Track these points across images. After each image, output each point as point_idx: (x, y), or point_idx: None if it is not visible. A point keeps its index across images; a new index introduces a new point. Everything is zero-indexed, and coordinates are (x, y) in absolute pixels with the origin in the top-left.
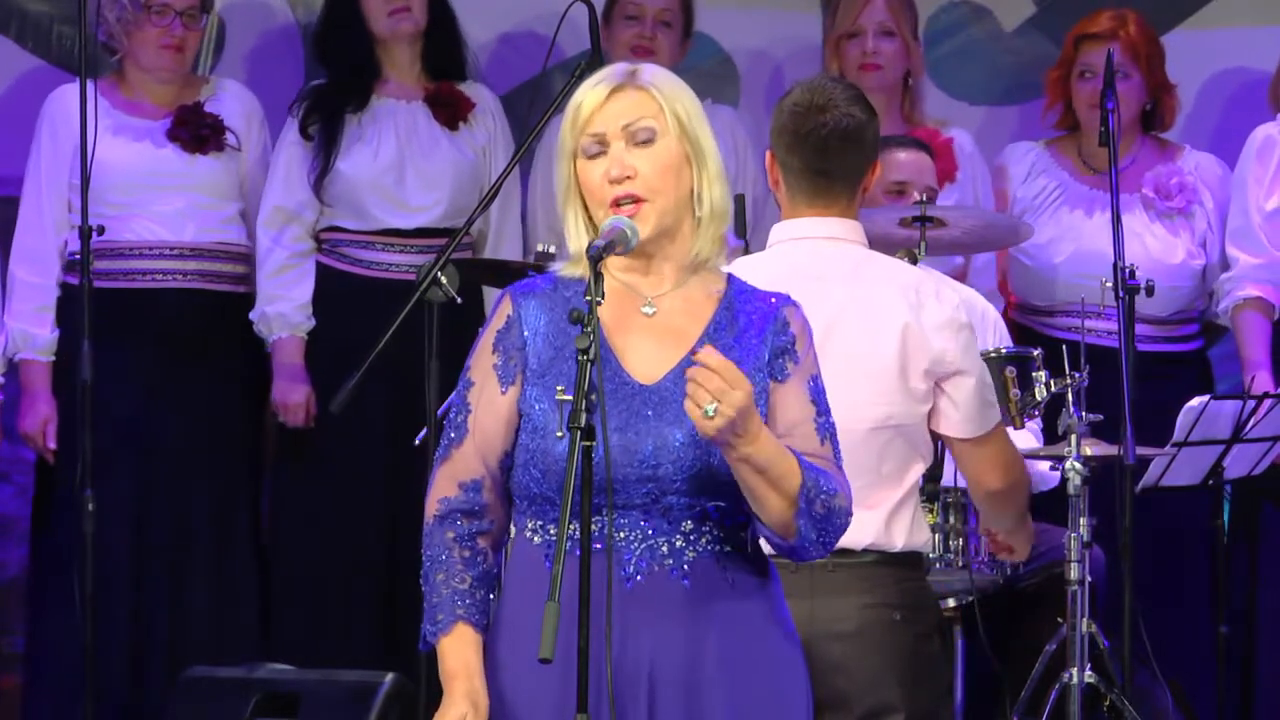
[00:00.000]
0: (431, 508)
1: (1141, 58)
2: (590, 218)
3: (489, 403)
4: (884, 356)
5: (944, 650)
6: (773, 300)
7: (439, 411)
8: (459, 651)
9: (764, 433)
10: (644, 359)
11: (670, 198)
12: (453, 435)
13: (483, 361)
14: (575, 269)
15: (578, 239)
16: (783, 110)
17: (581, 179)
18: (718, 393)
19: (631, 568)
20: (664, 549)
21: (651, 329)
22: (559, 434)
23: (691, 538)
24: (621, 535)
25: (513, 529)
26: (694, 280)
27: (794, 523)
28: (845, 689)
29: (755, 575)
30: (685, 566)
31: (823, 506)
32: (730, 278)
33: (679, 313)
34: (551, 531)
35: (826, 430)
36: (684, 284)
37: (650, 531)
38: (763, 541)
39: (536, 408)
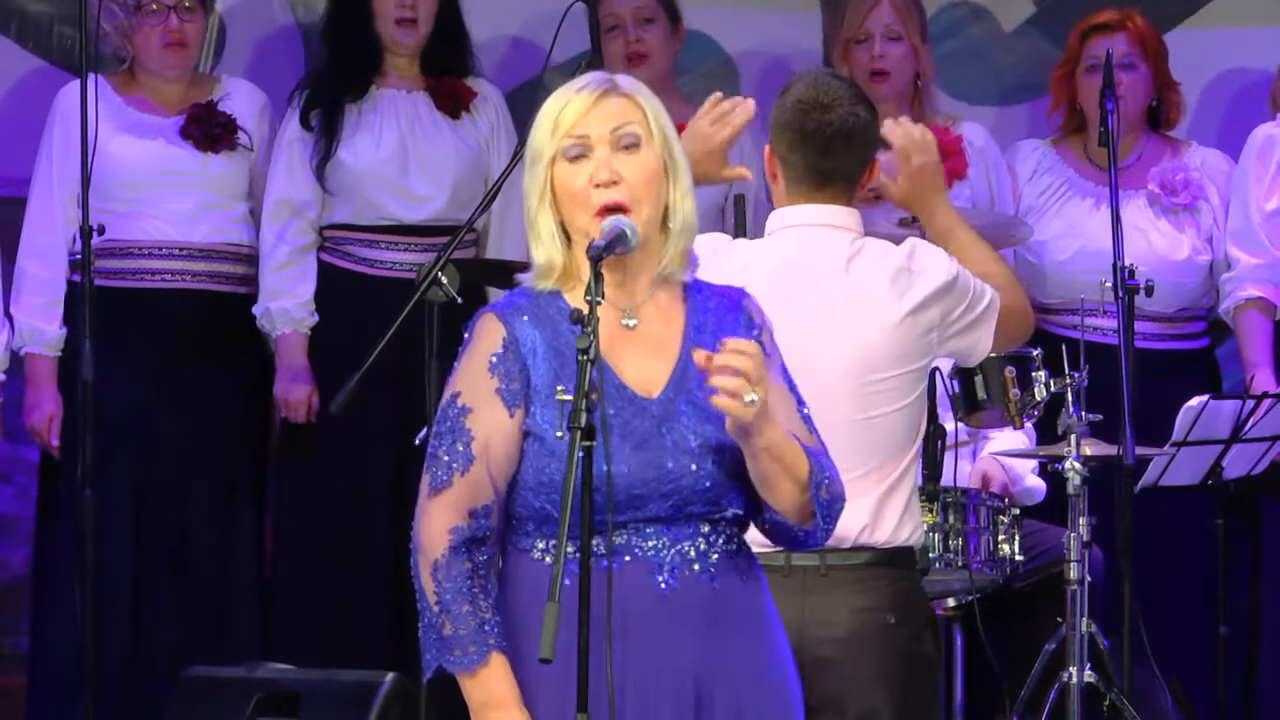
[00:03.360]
0: (442, 539)
1: (1149, 51)
2: (563, 225)
3: (497, 427)
4: (875, 350)
5: (935, 648)
6: (732, 295)
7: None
8: (503, 680)
9: (773, 420)
10: (640, 372)
11: (653, 207)
12: (454, 464)
13: (478, 385)
14: (546, 281)
15: (550, 247)
16: (785, 106)
17: (560, 183)
18: (754, 378)
19: (665, 573)
20: (691, 553)
21: (636, 341)
22: (559, 434)
23: (710, 539)
24: (650, 544)
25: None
26: (661, 289)
27: (810, 506)
28: (838, 692)
29: (755, 570)
30: (712, 569)
31: (827, 492)
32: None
33: (656, 321)
34: (569, 551)
35: (808, 419)
36: (654, 294)
37: (676, 537)
38: (751, 534)
39: (550, 430)
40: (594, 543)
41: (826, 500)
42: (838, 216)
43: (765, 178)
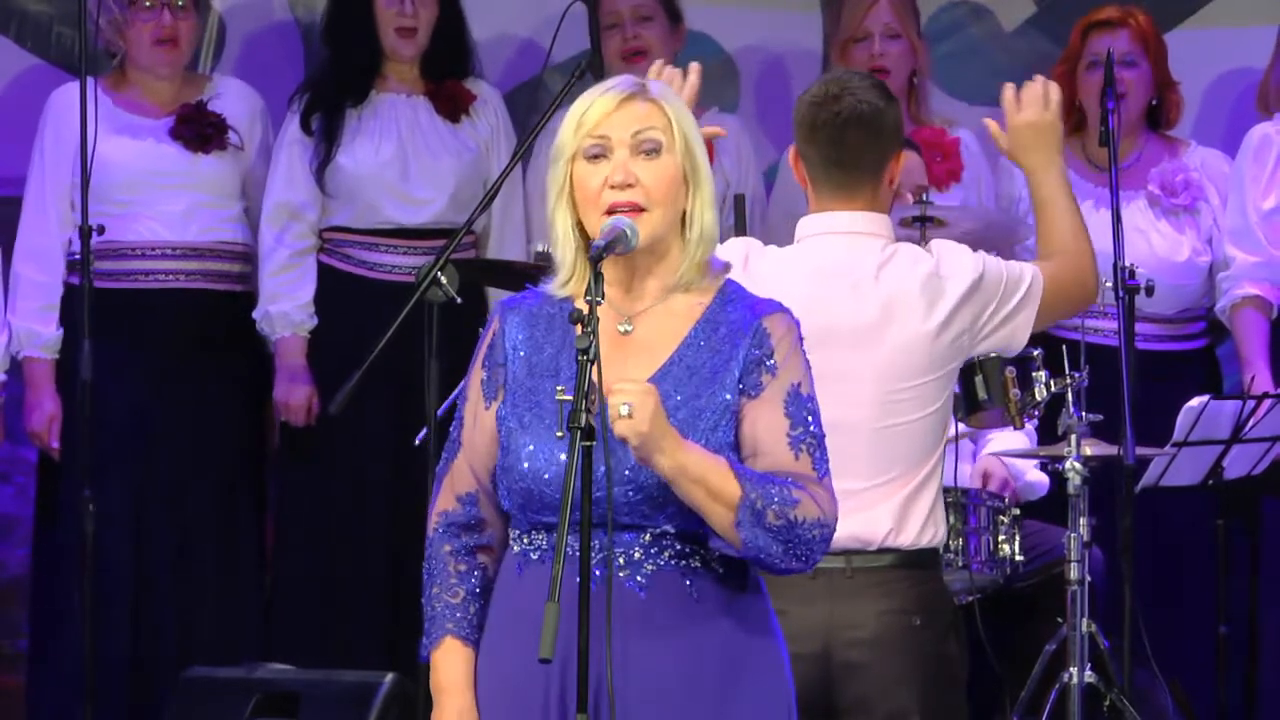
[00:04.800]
0: (432, 521)
1: (1151, 49)
2: (580, 224)
3: (476, 417)
4: (905, 358)
5: (960, 649)
6: (757, 308)
7: (438, 414)
8: (449, 666)
9: (686, 444)
10: (611, 378)
11: (667, 213)
12: (452, 448)
13: (473, 377)
14: (559, 288)
15: (565, 246)
16: (802, 104)
17: (577, 180)
18: (631, 398)
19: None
20: (620, 560)
21: (624, 347)
22: (559, 434)
23: (651, 551)
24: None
25: None
26: (678, 295)
27: (735, 533)
28: (864, 694)
29: (726, 587)
30: (641, 578)
31: (777, 517)
32: (726, 284)
33: (656, 329)
34: (525, 541)
35: (801, 443)
36: (666, 300)
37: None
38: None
39: (504, 426)
40: (573, 546)
41: (779, 526)
42: (867, 223)
43: (758, 181)
